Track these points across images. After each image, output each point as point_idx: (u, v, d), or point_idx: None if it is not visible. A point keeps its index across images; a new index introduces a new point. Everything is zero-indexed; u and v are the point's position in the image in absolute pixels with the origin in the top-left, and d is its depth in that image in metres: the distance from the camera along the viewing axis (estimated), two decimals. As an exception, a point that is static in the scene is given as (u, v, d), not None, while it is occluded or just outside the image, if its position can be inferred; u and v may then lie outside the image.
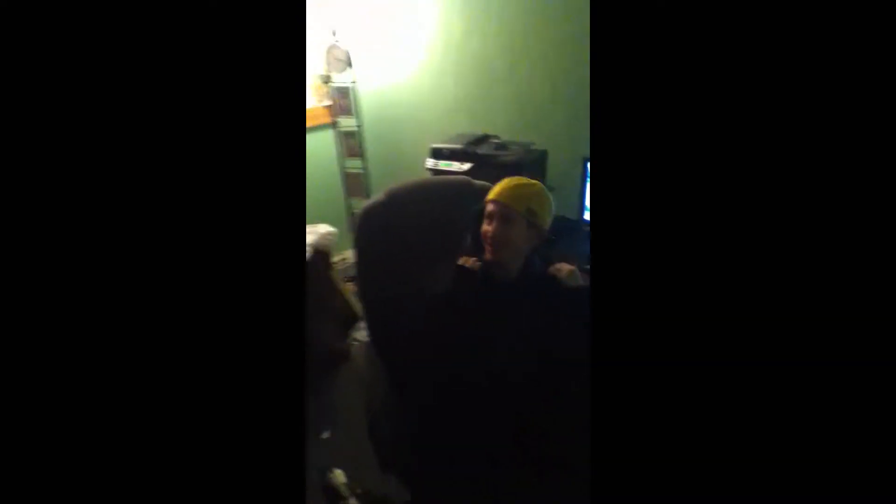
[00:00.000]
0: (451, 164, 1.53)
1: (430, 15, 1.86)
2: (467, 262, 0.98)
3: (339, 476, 1.25)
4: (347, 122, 2.17)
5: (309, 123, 2.12)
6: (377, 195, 1.12)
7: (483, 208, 0.97)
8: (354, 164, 2.24)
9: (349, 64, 1.98)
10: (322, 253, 1.67)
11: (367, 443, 0.96)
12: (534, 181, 0.97)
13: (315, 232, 1.64)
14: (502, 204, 0.93)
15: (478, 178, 1.22)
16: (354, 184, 2.28)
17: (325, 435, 1.48)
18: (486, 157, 1.48)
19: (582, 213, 1.50)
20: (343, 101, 2.13)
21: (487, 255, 0.95)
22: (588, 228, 1.50)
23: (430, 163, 1.58)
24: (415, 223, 1.11)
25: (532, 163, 1.45)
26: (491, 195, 0.96)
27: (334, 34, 1.91)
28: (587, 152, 1.47)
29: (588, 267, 1.25)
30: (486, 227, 0.94)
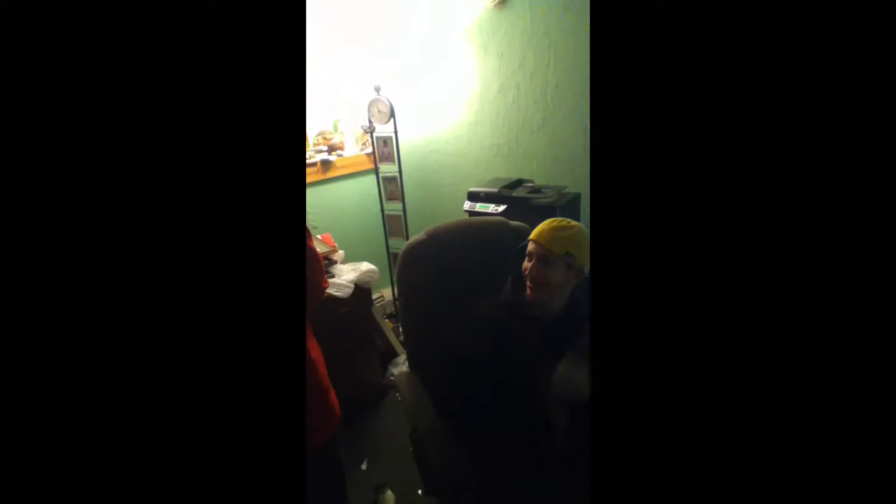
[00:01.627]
0: (487, 207, 1.63)
1: (466, 73, 2.03)
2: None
3: (389, 498, 1.29)
4: (388, 168, 2.32)
5: (353, 169, 2.30)
6: (418, 234, 1.21)
7: (525, 246, 1.03)
8: (395, 207, 2.37)
9: (391, 115, 2.15)
10: (363, 289, 1.76)
11: (411, 468, 1.00)
12: (574, 223, 1.01)
13: (357, 269, 1.74)
14: (541, 245, 0.98)
15: (514, 219, 1.31)
16: (395, 225, 2.41)
17: (364, 466, 1.52)
18: (520, 199, 1.57)
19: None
20: (385, 149, 2.30)
21: (528, 294, 1.00)
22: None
23: (468, 205, 1.68)
24: (454, 259, 1.19)
25: (565, 205, 1.52)
26: (533, 235, 1.02)
27: (377, 90, 2.09)
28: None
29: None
30: (526, 265, 1.01)
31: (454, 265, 1.19)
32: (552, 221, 1.01)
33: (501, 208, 1.58)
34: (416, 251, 1.17)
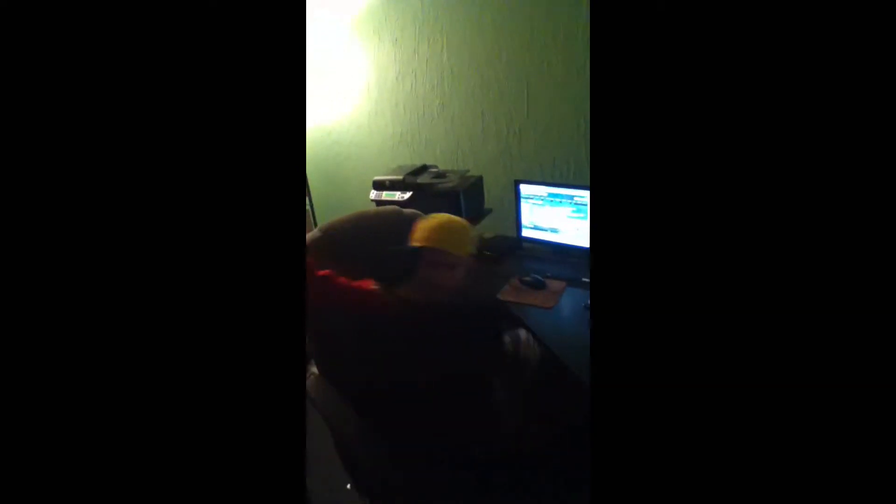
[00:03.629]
0: (393, 195, 1.62)
1: (363, 61, 1.99)
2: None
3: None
4: (290, 163, 2.23)
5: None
6: (313, 231, 1.19)
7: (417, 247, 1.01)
8: (299, 203, 2.29)
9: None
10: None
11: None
12: (453, 218, 1.04)
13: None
14: (444, 252, 0.98)
15: (420, 205, 1.31)
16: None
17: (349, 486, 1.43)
18: (425, 185, 1.58)
19: (519, 231, 1.62)
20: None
21: (439, 297, 1.01)
22: (525, 245, 1.62)
23: (374, 194, 1.66)
24: (348, 254, 1.17)
25: (469, 188, 1.56)
26: (427, 242, 0.99)
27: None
28: (518, 176, 1.61)
29: (528, 279, 1.36)
30: (435, 277, 0.99)
31: (349, 259, 1.16)
32: (442, 225, 1.02)
33: (408, 195, 1.59)
34: (311, 249, 1.14)
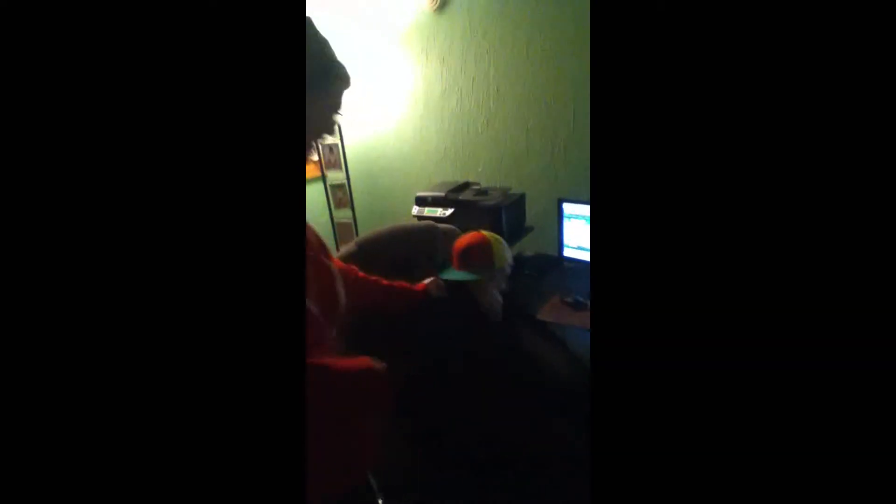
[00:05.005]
0: (435, 211, 1.63)
1: (410, 76, 2.03)
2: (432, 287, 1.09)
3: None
4: (336, 176, 2.29)
5: (299, 178, 2.24)
6: (349, 245, 1.22)
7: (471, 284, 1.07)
8: (344, 214, 2.34)
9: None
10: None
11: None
12: (486, 233, 1.11)
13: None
14: (494, 269, 1.05)
15: (461, 222, 1.32)
16: (345, 233, 2.37)
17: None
18: (467, 202, 1.59)
19: (561, 251, 1.59)
20: (331, 157, 2.26)
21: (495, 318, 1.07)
22: (567, 264, 1.59)
23: (416, 210, 1.68)
24: (382, 266, 1.18)
25: (511, 205, 1.55)
26: (463, 254, 1.06)
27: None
28: (561, 193, 1.59)
29: (569, 300, 1.33)
30: (495, 304, 1.06)
31: (384, 273, 1.19)
32: (479, 234, 1.10)
33: (449, 212, 1.60)
34: (346, 263, 1.17)
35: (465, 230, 1.18)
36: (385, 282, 1.07)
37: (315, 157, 2.26)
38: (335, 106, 0.70)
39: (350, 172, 2.28)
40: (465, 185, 1.71)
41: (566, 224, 1.55)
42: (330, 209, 2.36)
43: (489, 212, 1.50)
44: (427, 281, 1.10)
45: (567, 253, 1.58)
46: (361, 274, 1.04)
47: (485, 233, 1.10)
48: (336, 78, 0.69)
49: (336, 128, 0.73)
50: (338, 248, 2.38)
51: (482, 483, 0.91)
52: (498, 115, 1.86)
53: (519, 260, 1.66)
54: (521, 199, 1.64)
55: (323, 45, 0.68)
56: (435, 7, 1.84)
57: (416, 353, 0.99)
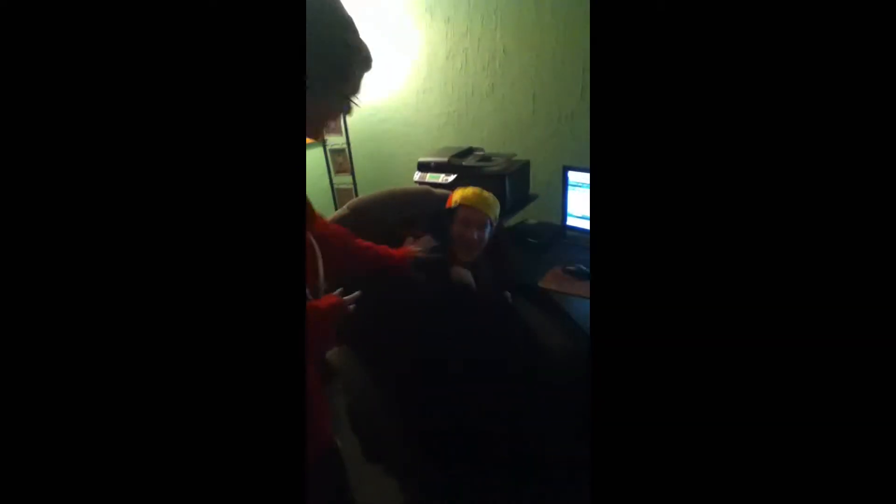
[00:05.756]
0: (437, 177, 1.60)
1: (413, 39, 1.96)
2: (413, 252, 1.09)
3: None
4: (336, 140, 2.24)
5: (299, 142, 2.20)
6: (341, 209, 1.20)
7: (454, 213, 1.07)
8: (344, 180, 2.31)
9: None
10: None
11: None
12: (481, 189, 1.14)
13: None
14: (479, 212, 1.05)
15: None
16: (344, 199, 2.34)
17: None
18: (470, 168, 1.56)
19: (564, 219, 1.57)
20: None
21: (465, 258, 1.06)
22: (570, 234, 1.57)
23: (418, 175, 1.65)
24: (373, 230, 1.17)
25: (514, 172, 1.53)
26: (464, 202, 1.07)
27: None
28: (567, 161, 1.55)
29: (571, 269, 1.32)
30: (466, 233, 1.04)
31: (372, 236, 1.16)
32: (474, 190, 1.12)
33: (452, 178, 1.57)
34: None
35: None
36: (365, 244, 1.03)
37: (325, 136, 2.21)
38: (354, 89, 0.68)
39: (350, 137, 2.23)
40: (469, 151, 1.68)
41: (570, 193, 1.53)
42: (330, 175, 2.32)
43: (493, 179, 1.47)
44: (407, 247, 1.10)
45: (570, 222, 1.56)
46: (352, 236, 1.01)
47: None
48: (357, 64, 0.66)
49: (353, 110, 0.70)
50: (338, 215, 2.37)
51: (482, 483, 0.92)
52: (504, 79, 1.81)
53: (522, 228, 1.65)
54: (525, 166, 1.61)
55: (345, 28, 0.64)
56: (441, -38, 1.76)
57: (410, 343, 0.99)
